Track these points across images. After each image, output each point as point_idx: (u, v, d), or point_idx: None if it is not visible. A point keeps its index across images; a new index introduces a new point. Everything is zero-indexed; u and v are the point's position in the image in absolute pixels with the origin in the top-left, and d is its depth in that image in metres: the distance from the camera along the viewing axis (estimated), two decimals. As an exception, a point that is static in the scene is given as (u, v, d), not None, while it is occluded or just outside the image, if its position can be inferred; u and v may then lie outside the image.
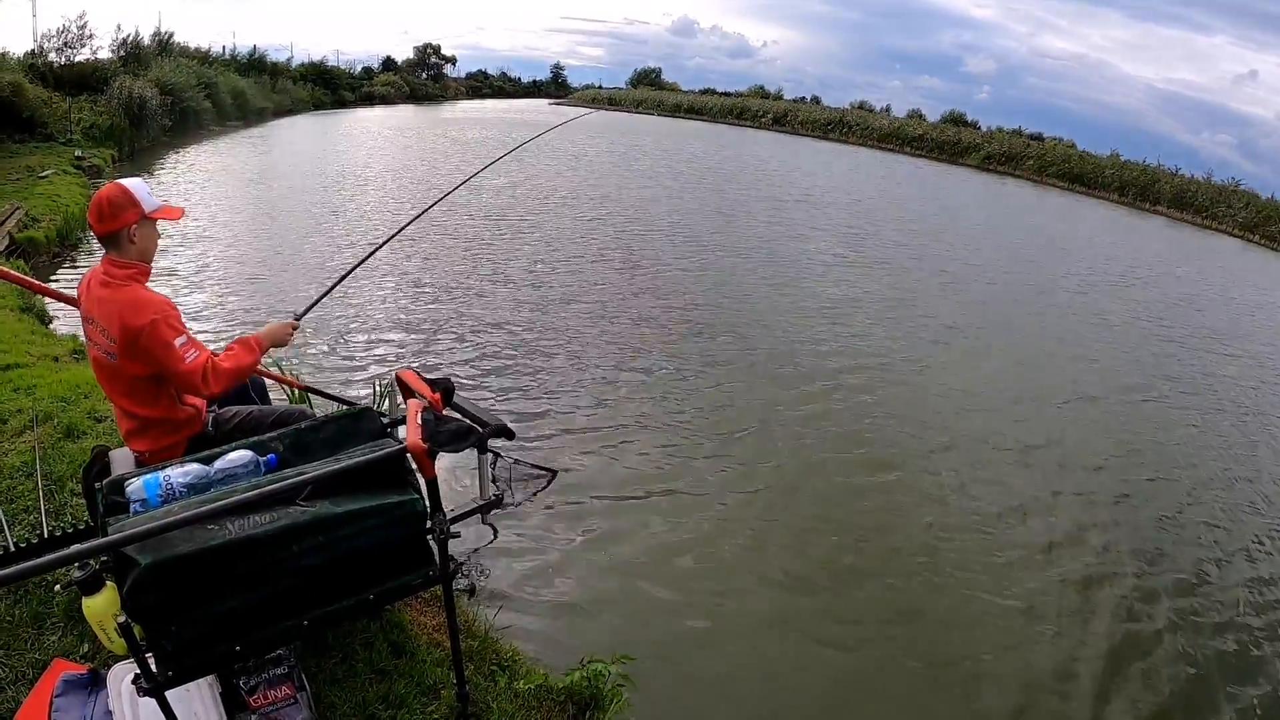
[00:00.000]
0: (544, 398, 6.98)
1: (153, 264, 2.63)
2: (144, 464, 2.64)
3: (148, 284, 2.59)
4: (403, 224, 3.79)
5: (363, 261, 3.40)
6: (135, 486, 1.92)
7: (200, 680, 2.21)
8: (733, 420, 6.95)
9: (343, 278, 3.35)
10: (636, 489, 5.67)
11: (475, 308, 9.32)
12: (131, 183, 2.54)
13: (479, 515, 2.63)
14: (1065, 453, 6.90)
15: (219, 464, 2.00)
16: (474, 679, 2.94)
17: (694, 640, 4.25)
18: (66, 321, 7.35)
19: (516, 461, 2.89)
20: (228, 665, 2.09)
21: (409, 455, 2.07)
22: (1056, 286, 13.53)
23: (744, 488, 5.87)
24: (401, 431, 2.28)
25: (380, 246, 3.58)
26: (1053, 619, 4.68)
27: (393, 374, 2.74)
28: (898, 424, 7.10)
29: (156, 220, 2.58)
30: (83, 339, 2.78)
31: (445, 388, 2.33)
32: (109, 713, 2.31)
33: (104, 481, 2.01)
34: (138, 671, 2.30)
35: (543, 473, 2.87)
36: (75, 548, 1.74)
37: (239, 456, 2.02)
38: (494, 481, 2.67)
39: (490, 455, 2.62)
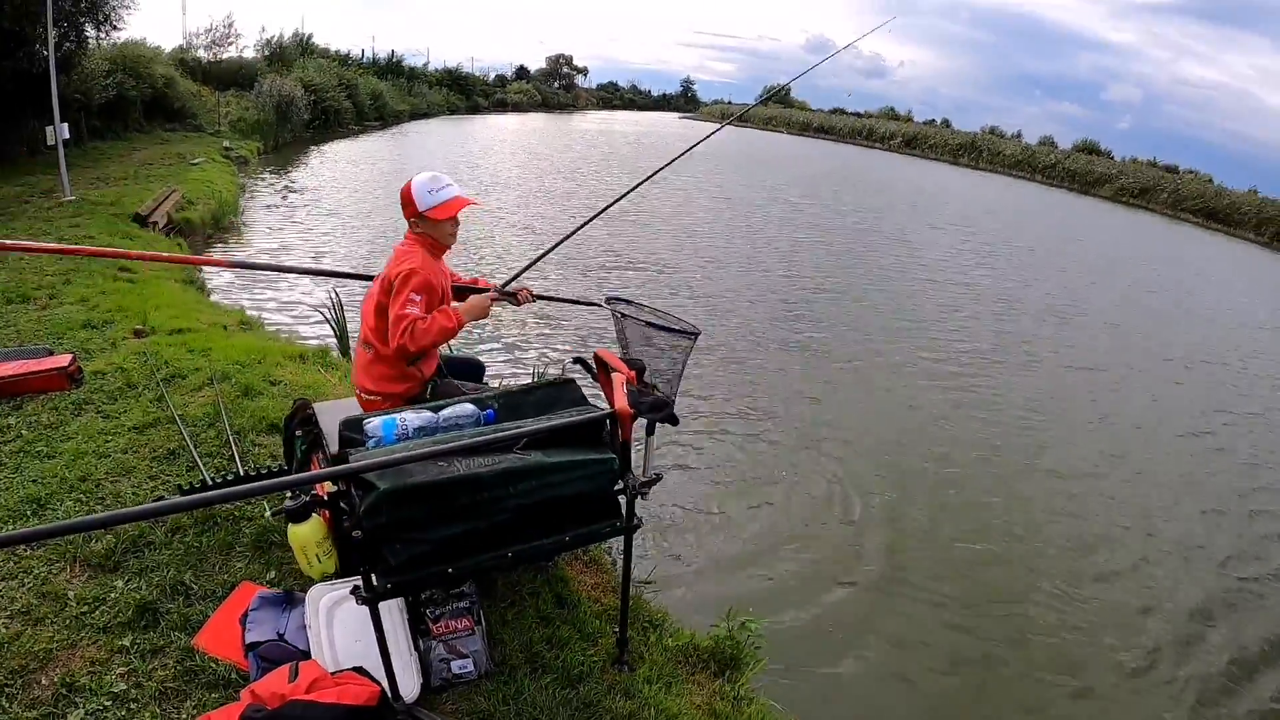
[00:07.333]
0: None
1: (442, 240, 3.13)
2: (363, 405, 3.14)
3: (443, 255, 3.19)
4: (607, 204, 4.03)
5: (566, 239, 3.75)
6: (374, 425, 2.29)
7: (391, 603, 2.56)
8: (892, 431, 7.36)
9: (545, 254, 3.67)
10: (765, 473, 6.34)
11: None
12: (417, 181, 3.04)
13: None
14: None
15: (445, 412, 2.35)
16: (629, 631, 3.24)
17: (820, 622, 4.67)
18: (226, 294, 8.14)
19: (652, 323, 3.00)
20: (440, 585, 2.46)
21: (607, 421, 2.37)
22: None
23: (891, 487, 6.33)
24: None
25: (586, 223, 3.89)
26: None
27: (540, 358, 3.01)
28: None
29: (436, 218, 3.02)
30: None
31: (639, 366, 2.63)
32: (302, 627, 2.69)
33: (343, 419, 2.37)
34: (336, 593, 2.70)
35: (685, 335, 2.94)
36: (329, 470, 2.10)
37: (463, 409, 2.38)
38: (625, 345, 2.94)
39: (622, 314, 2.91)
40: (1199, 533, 6.33)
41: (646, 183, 4.17)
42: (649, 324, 3.08)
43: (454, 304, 3.18)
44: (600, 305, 3.62)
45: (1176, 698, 4.51)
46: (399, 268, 2.92)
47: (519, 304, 3.45)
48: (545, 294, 3.73)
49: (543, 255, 3.68)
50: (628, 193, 3.98)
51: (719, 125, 4.43)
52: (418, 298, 2.89)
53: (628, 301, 3.35)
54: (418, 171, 3.10)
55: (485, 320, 3.43)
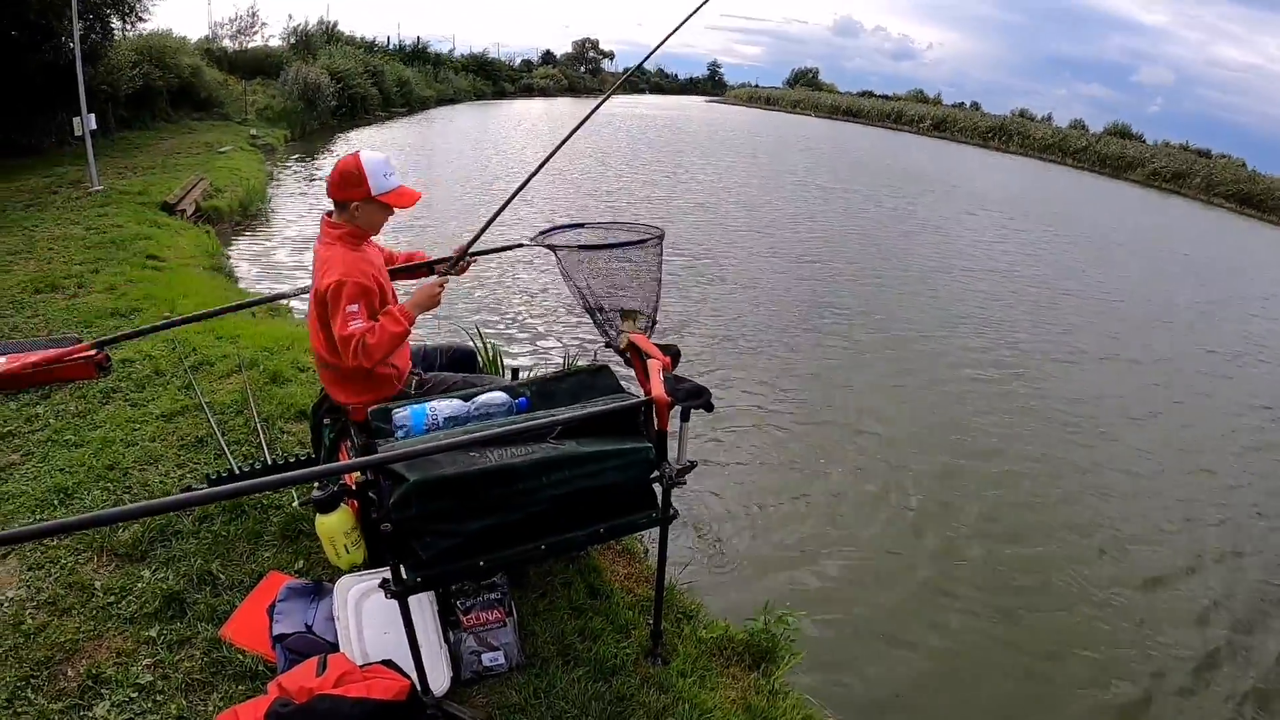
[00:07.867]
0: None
1: (371, 230, 2.84)
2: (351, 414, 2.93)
3: (365, 241, 2.87)
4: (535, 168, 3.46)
5: (500, 211, 3.22)
6: (403, 415, 2.24)
7: (421, 596, 2.52)
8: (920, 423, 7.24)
9: (483, 229, 3.18)
10: (805, 465, 6.29)
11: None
12: (370, 160, 2.73)
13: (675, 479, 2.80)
14: None
15: (477, 401, 2.30)
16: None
17: (859, 621, 4.59)
18: (252, 282, 8.19)
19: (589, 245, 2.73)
20: (471, 578, 2.40)
21: (643, 408, 2.31)
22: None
23: (923, 474, 6.26)
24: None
25: (516, 192, 3.40)
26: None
27: (569, 347, 2.90)
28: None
29: (392, 204, 2.79)
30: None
31: (674, 353, 2.57)
32: (330, 618, 2.66)
33: (372, 408, 2.32)
34: (364, 583, 2.66)
35: (642, 244, 2.74)
36: (357, 460, 2.05)
37: (495, 397, 2.32)
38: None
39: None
40: (1255, 538, 6.11)
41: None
42: (583, 247, 2.76)
43: (398, 303, 2.89)
44: (525, 244, 3.22)
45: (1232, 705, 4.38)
46: (325, 280, 2.66)
47: (460, 273, 3.17)
48: (477, 249, 3.19)
49: (490, 221, 3.18)
50: (555, 151, 3.43)
51: (605, 95, 4.05)
52: (355, 308, 2.64)
53: (570, 226, 2.94)
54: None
55: (502, 310, 3.20)
